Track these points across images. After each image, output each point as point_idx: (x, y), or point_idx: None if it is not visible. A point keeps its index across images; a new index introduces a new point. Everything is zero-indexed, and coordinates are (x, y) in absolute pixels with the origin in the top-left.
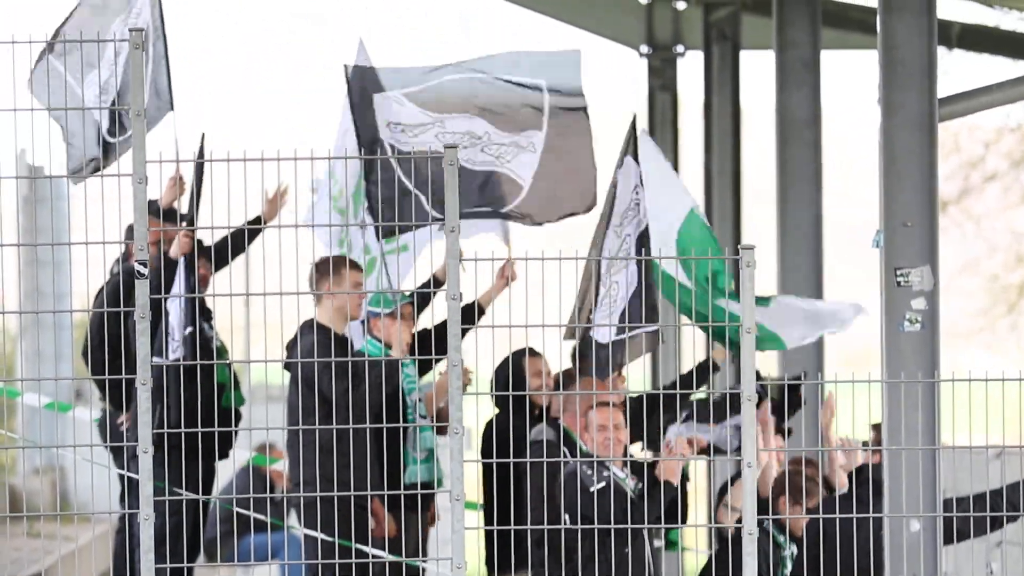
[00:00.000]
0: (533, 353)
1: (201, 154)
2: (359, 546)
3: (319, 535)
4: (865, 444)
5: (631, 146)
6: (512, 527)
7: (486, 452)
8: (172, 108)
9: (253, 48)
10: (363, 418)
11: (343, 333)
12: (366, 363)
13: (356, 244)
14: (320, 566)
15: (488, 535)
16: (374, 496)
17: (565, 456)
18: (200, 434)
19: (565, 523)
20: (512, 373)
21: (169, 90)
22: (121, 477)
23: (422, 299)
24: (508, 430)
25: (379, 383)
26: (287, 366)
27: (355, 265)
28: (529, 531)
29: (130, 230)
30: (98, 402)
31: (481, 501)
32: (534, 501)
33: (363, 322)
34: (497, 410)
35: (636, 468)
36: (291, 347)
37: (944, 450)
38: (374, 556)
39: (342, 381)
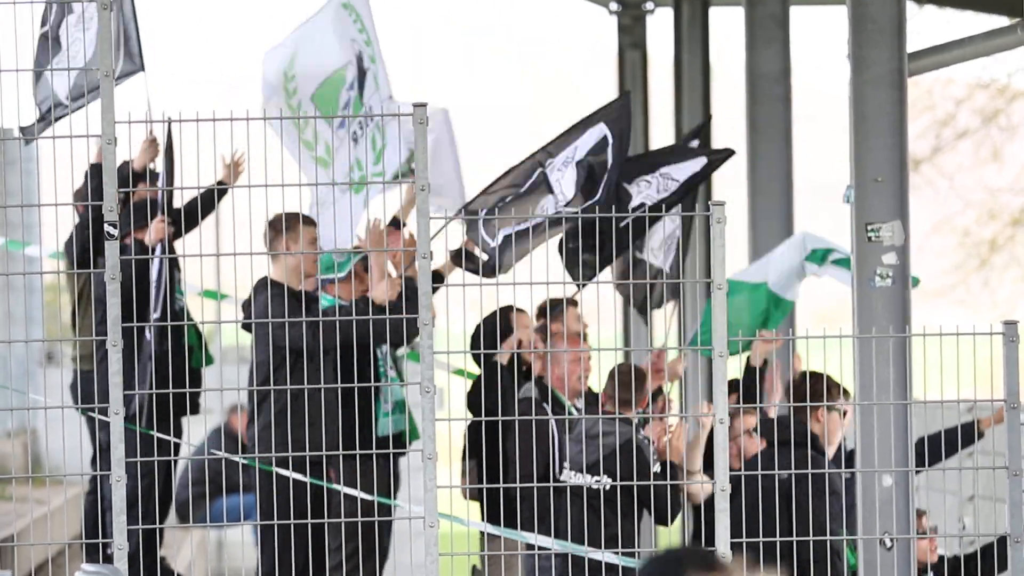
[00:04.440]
0: (518, 310)
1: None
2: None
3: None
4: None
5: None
6: (519, 484)
7: (474, 406)
8: (143, 69)
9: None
10: (329, 373)
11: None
12: (335, 320)
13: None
14: (291, 529)
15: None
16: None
17: (547, 414)
18: (171, 397)
19: (605, 485)
20: (497, 330)
21: (140, 51)
22: (93, 439)
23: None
24: (494, 387)
25: (347, 341)
26: (247, 326)
27: (308, 221)
28: (503, 488)
29: (80, 193)
30: (70, 363)
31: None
32: (513, 455)
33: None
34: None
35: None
36: (247, 306)
37: (916, 405)
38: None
39: (303, 336)
